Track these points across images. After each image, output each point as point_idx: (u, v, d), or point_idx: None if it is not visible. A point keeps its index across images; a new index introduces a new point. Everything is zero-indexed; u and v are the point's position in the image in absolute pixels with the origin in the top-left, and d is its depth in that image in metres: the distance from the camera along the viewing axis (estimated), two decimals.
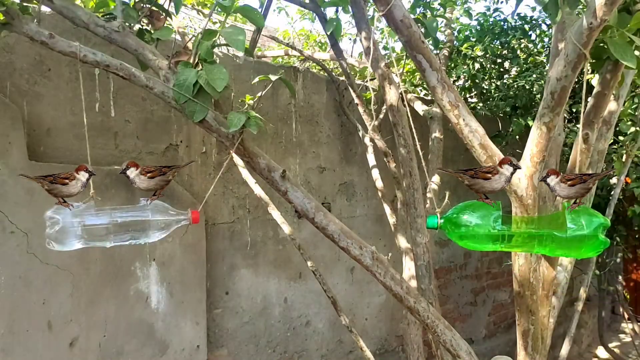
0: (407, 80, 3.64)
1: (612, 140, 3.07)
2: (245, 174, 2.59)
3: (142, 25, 1.80)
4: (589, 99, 1.99)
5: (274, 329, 2.86)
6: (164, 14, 1.80)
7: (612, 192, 2.81)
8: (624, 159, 2.78)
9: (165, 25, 1.79)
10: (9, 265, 1.94)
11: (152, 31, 1.80)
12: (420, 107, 3.49)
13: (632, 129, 3.09)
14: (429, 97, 3.77)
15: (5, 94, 2.01)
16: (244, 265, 2.72)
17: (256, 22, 1.63)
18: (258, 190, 2.54)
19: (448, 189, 2.74)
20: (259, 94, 2.64)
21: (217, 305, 2.60)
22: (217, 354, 2.59)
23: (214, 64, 1.54)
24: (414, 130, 1.73)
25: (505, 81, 3.72)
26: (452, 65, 3.65)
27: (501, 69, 3.77)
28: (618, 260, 6.82)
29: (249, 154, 1.65)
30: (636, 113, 2.94)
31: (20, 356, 1.96)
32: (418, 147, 1.79)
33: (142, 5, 1.74)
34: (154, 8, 1.75)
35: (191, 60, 1.56)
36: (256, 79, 2.62)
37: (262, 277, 2.82)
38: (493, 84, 3.76)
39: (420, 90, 3.85)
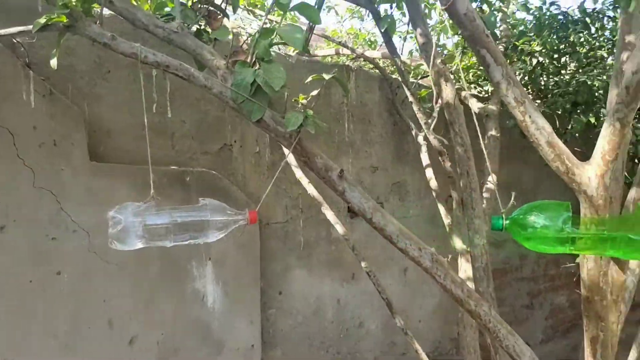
0: (462, 78, 3.55)
1: None
2: (299, 173, 2.58)
3: (200, 26, 1.81)
4: None
5: (327, 330, 2.84)
6: (221, 14, 1.80)
7: None
8: None
9: (222, 25, 1.79)
10: (71, 263, 1.99)
11: (210, 31, 1.80)
12: (475, 105, 3.40)
13: None
14: (483, 95, 3.67)
15: (68, 96, 2.06)
16: (298, 266, 2.71)
17: (313, 19, 1.60)
18: (311, 190, 2.53)
19: (504, 189, 2.66)
20: (313, 93, 2.62)
21: (271, 305, 2.60)
22: (271, 354, 2.58)
23: (271, 63, 1.53)
24: (472, 128, 1.68)
25: (563, 77, 3.57)
26: (509, 61, 3.54)
27: (559, 64, 3.63)
28: None
29: (306, 154, 1.63)
30: None
31: (83, 353, 2.01)
32: (482, 145, 1.73)
33: (199, 6, 1.75)
34: (211, 8, 1.76)
35: (248, 60, 1.55)
36: (310, 78, 2.61)
37: (316, 278, 2.80)
38: (551, 80, 3.63)
39: (475, 88, 3.76)
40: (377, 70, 3.26)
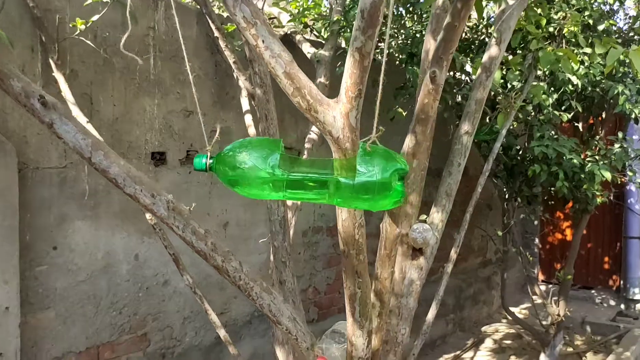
0: (298, 19, 3.30)
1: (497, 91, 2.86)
2: (76, 111, 2.23)
3: None
4: (441, 34, 1.71)
5: (120, 289, 2.56)
6: None
7: (492, 147, 2.60)
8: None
9: None
10: None
11: None
12: (307, 49, 3.17)
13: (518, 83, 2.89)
14: (320, 40, 3.46)
15: None
16: (80, 217, 2.39)
17: None
18: (90, 128, 2.20)
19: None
20: (94, 18, 2.27)
21: (42, 262, 2.27)
22: (41, 316, 2.27)
23: None
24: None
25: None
26: None
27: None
28: (535, 222, 6.83)
29: None
30: (524, 62, 2.71)
31: None
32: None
33: None
34: None
35: None
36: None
37: (105, 231, 2.49)
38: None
39: (312, 32, 3.53)
40: (195, 3, 2.92)
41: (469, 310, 5.77)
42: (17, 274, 2.12)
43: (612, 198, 4.22)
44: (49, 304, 2.30)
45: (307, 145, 2.85)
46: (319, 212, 3.70)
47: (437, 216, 2.39)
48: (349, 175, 1.16)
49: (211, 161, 1.21)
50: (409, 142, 1.71)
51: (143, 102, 2.62)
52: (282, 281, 2.30)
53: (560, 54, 2.50)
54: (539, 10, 2.70)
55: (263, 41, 1.32)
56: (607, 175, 3.38)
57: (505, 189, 4.42)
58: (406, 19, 3.54)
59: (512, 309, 6.31)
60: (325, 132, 1.43)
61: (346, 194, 1.15)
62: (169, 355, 2.81)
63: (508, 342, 5.31)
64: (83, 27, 2.23)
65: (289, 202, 2.44)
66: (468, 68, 3.23)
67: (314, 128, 2.89)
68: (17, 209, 2.11)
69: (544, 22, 2.71)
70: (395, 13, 3.44)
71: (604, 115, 4.27)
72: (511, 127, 4.10)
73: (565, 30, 2.83)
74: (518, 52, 3.09)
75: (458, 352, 4.93)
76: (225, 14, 3.40)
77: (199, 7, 2.89)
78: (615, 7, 3.80)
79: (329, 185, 1.17)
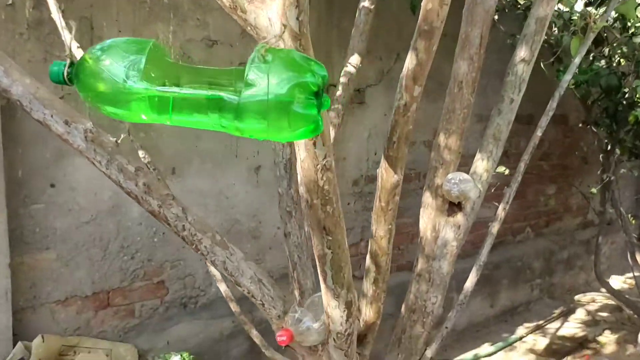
0: None
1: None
2: (67, 36, 2.01)
3: None
4: None
5: (131, 232, 2.39)
6: None
7: (561, 81, 2.03)
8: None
9: None
10: None
11: None
12: None
13: None
14: None
15: None
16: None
17: None
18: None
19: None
20: None
21: (37, 200, 2.13)
22: (39, 257, 2.15)
23: None
24: None
25: None
26: None
27: None
28: None
29: None
30: None
31: None
32: None
33: None
34: None
35: None
36: None
37: None
38: None
39: None
40: None
41: (561, 275, 5.14)
42: (3, 211, 1.98)
43: None
44: (47, 245, 2.17)
45: (342, 80, 2.45)
46: (373, 160, 3.31)
47: (482, 165, 1.94)
48: (237, 89, 0.80)
49: (69, 70, 0.90)
50: (409, 62, 1.29)
51: (155, 28, 2.35)
52: (287, 234, 1.99)
53: None
54: None
55: None
56: None
57: (606, 139, 3.74)
58: None
59: (615, 277, 5.59)
60: (259, 38, 1.07)
61: (230, 117, 0.79)
62: (192, 305, 2.63)
63: (604, 314, 4.66)
64: None
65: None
66: None
67: (352, 58, 2.48)
68: None
69: None
70: None
71: None
72: (614, 64, 3.40)
73: None
74: None
75: (541, 322, 4.39)
76: None
77: None
78: None
79: (214, 105, 0.82)
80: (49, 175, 2.14)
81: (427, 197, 1.99)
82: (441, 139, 1.92)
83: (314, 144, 1.13)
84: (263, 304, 1.42)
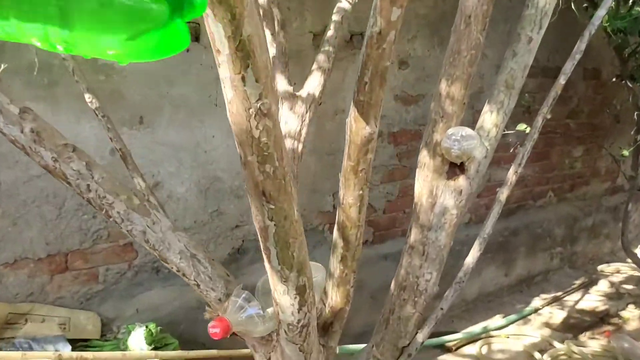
0: None
1: None
2: None
3: None
4: None
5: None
6: None
7: (593, 18, 1.64)
8: None
9: None
10: None
11: None
12: None
13: None
14: None
15: None
16: (30, 97, 1.92)
17: None
18: None
19: None
20: None
21: None
22: None
23: None
24: None
25: None
26: None
27: None
28: None
29: None
30: None
31: None
32: None
33: None
34: None
35: None
36: None
37: (67, 117, 2.02)
38: None
39: None
40: None
41: (585, 244, 4.78)
42: None
43: None
44: None
45: (334, 17, 2.11)
46: None
47: (490, 118, 1.60)
48: None
49: None
50: None
51: None
52: None
53: None
54: None
55: None
56: None
57: None
58: None
59: None
60: None
61: (92, 24, 0.49)
62: (165, 270, 2.38)
63: (629, 287, 4.31)
64: None
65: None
66: None
67: None
68: None
69: None
70: None
71: None
72: None
73: None
74: None
75: (559, 293, 4.07)
76: None
77: None
78: None
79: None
80: None
81: (424, 156, 1.66)
82: (442, 86, 1.58)
83: (243, 78, 0.81)
84: (198, 285, 1.14)
